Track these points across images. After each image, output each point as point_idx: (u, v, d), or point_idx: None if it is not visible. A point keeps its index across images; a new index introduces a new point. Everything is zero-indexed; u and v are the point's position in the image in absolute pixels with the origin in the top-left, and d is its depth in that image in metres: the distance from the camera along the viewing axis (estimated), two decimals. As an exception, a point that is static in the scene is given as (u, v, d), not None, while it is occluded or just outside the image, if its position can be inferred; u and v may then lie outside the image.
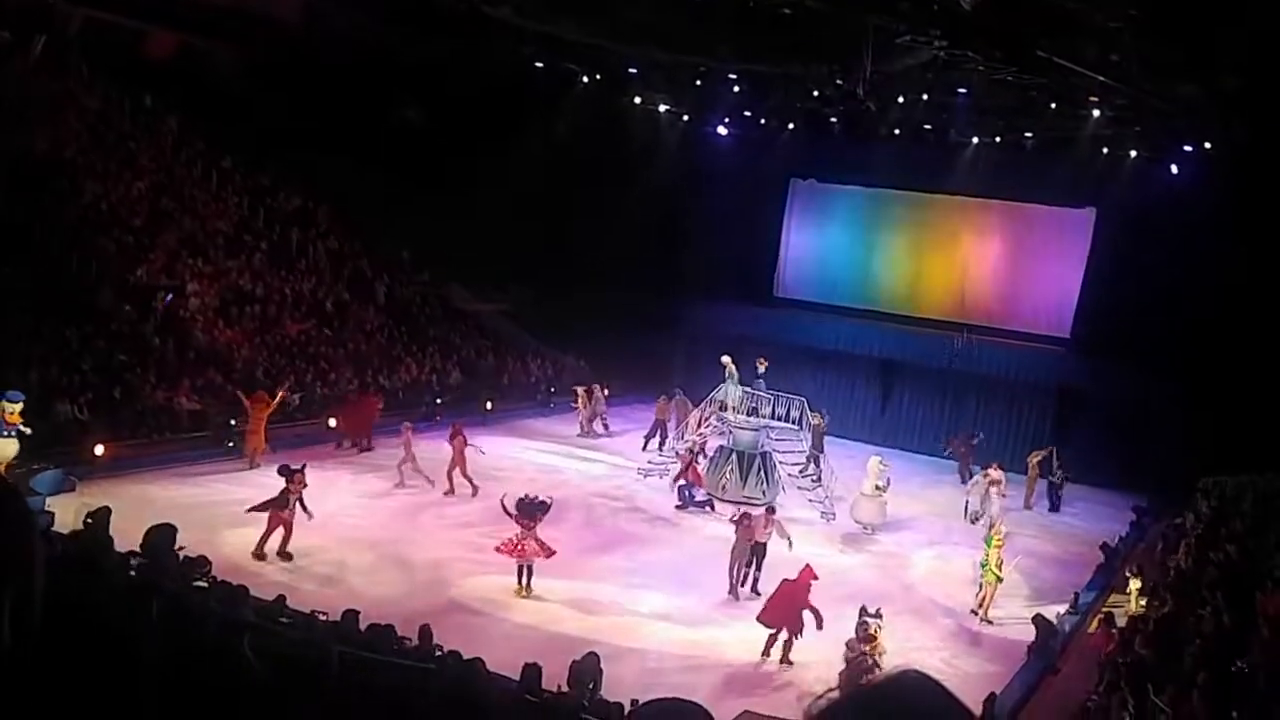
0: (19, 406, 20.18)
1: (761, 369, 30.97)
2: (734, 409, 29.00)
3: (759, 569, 20.55)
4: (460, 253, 36.81)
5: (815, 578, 17.81)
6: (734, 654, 17.85)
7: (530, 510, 19.28)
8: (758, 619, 17.66)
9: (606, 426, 33.95)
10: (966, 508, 27.35)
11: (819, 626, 17.36)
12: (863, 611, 16.51)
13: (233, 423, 25.90)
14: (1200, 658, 14.17)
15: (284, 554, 19.42)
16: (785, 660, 17.61)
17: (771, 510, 21.39)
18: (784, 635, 17.56)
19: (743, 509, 21.20)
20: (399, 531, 22.00)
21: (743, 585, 20.47)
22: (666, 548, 23.36)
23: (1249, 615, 15.12)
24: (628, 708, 12.88)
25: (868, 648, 15.90)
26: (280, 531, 19.55)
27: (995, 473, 26.80)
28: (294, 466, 20.24)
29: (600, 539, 23.21)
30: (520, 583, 19.08)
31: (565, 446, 31.20)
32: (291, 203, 36.02)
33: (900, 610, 19.90)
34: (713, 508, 26.09)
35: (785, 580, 18.07)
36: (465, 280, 39.02)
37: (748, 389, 29.92)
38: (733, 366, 30.54)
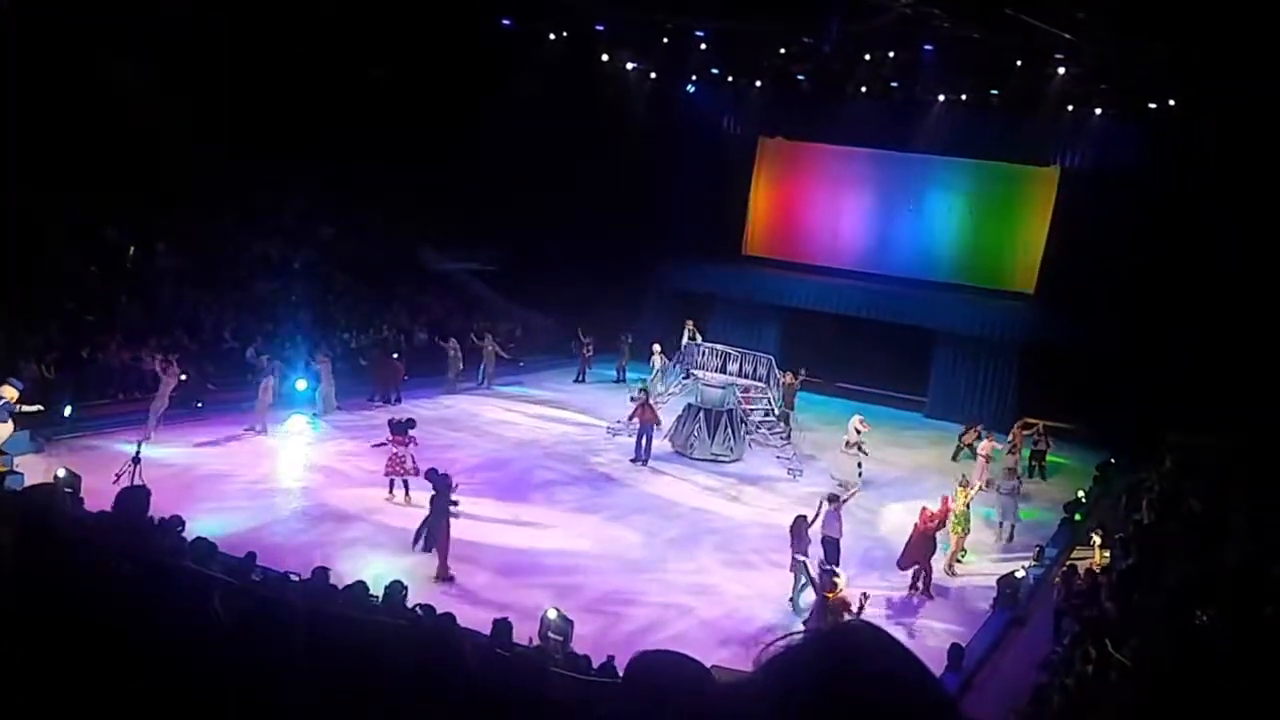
0: (15, 394, 20.02)
1: (690, 335, 31.04)
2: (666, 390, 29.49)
3: (834, 562, 18.76)
4: (429, 212, 36.64)
5: (933, 516, 19.57)
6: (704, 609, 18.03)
7: (401, 428, 21.23)
8: (898, 565, 19.54)
9: (488, 380, 33.06)
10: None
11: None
12: (821, 564, 16.97)
13: (184, 377, 25.71)
14: (1162, 611, 14.37)
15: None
16: (926, 592, 19.38)
17: (834, 500, 19.48)
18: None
19: (798, 515, 18.84)
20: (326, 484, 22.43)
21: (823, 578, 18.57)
22: (619, 500, 23.56)
23: (1211, 569, 15.34)
24: (596, 662, 13.01)
25: (830, 599, 16.16)
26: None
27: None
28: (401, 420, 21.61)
29: (559, 492, 23.39)
30: (391, 491, 21.20)
31: (535, 405, 31.20)
32: (261, 161, 35.64)
33: (869, 564, 20.12)
34: (644, 463, 26.15)
35: (916, 526, 19.59)
36: (434, 240, 38.82)
37: (688, 349, 30.36)
38: (661, 357, 30.92)
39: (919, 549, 19.46)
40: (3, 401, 19.85)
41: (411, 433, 21.38)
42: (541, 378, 35.03)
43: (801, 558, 18.15)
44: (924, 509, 19.82)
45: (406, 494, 21.03)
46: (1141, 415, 28.18)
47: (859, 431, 25.84)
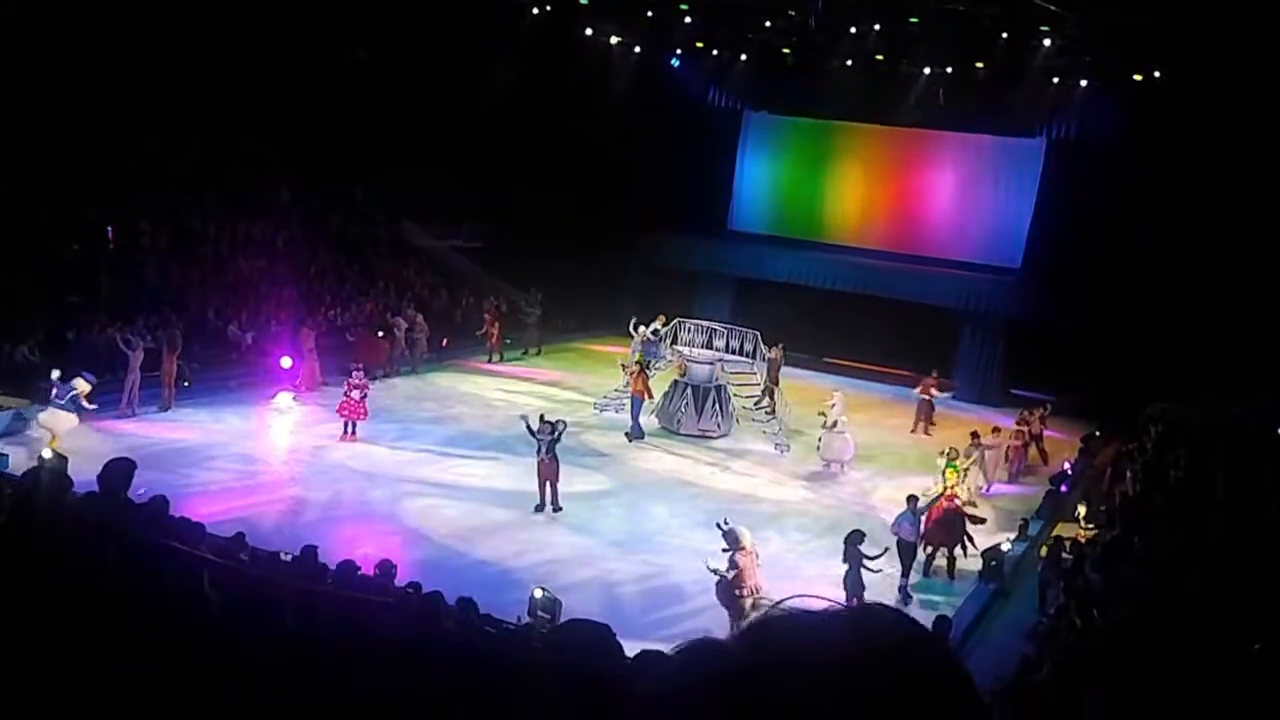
0: (88, 388, 21.06)
1: (657, 326, 30.60)
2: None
3: (905, 575, 18.24)
4: (413, 189, 36.52)
5: (956, 497, 19.39)
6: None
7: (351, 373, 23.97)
8: (923, 539, 18.75)
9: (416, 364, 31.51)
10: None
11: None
12: (723, 523, 15.97)
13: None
14: (1148, 581, 14.45)
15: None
16: (950, 575, 19.11)
17: (913, 500, 18.55)
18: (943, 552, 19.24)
19: (852, 530, 17.50)
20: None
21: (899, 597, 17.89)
22: (612, 474, 23.56)
23: (1196, 539, 15.43)
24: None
25: (740, 564, 15.37)
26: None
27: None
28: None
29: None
30: (346, 431, 23.44)
31: (523, 384, 31.19)
32: (243, 141, 35.55)
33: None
34: (630, 439, 26.01)
35: (934, 508, 19.09)
36: (418, 216, 38.74)
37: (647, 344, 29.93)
38: (642, 339, 30.35)
39: (942, 531, 19.10)
40: (72, 393, 20.46)
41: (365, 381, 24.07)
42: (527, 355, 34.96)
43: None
44: (949, 489, 19.49)
45: (353, 434, 23.45)
46: (1127, 387, 28.22)
47: (832, 407, 25.57)
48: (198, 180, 33.06)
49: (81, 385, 20.70)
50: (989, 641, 16.89)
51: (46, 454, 16.77)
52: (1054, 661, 13.35)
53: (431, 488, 21.10)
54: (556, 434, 20.40)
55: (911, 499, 18.58)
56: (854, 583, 16.72)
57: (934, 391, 29.74)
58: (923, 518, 18.68)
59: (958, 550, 19.38)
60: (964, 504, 20.23)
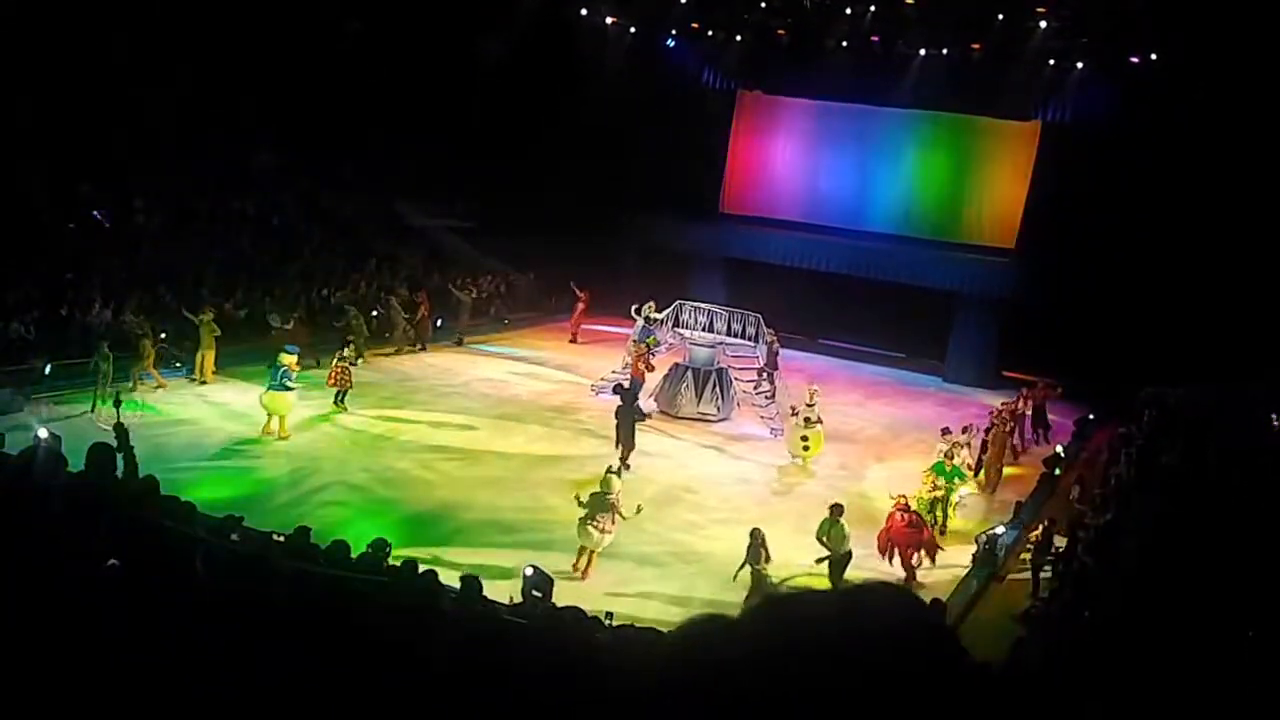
0: (294, 360, 21.58)
1: (648, 311, 30.22)
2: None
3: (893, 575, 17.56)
4: (405, 167, 36.42)
5: (906, 505, 18.34)
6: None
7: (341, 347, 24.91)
8: (878, 547, 18.10)
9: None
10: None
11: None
12: (577, 500, 16.56)
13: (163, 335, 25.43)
14: (1139, 565, 14.47)
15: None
16: (911, 579, 17.76)
17: (838, 510, 17.45)
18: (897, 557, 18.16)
19: (753, 528, 16.85)
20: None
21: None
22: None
23: (1188, 524, 15.44)
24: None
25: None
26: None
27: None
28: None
29: (546, 449, 23.39)
30: (336, 402, 23.99)
31: (510, 362, 31.15)
32: (235, 119, 35.41)
33: (850, 520, 19.90)
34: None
35: (889, 518, 18.38)
36: (411, 195, 38.61)
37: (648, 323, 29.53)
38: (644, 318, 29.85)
39: (890, 539, 18.21)
40: (283, 370, 20.94)
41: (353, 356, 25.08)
42: (521, 335, 34.85)
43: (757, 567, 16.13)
44: (901, 499, 18.59)
45: (343, 402, 23.97)
46: (1121, 370, 28.23)
47: (809, 405, 24.97)
48: (191, 158, 32.95)
49: (289, 360, 21.30)
50: (981, 625, 16.87)
51: (42, 433, 16.69)
52: (1047, 646, 13.36)
53: (424, 462, 21.14)
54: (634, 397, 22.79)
55: (834, 508, 17.33)
56: (756, 583, 15.86)
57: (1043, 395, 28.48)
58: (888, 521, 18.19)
59: (919, 559, 18.34)
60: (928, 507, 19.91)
